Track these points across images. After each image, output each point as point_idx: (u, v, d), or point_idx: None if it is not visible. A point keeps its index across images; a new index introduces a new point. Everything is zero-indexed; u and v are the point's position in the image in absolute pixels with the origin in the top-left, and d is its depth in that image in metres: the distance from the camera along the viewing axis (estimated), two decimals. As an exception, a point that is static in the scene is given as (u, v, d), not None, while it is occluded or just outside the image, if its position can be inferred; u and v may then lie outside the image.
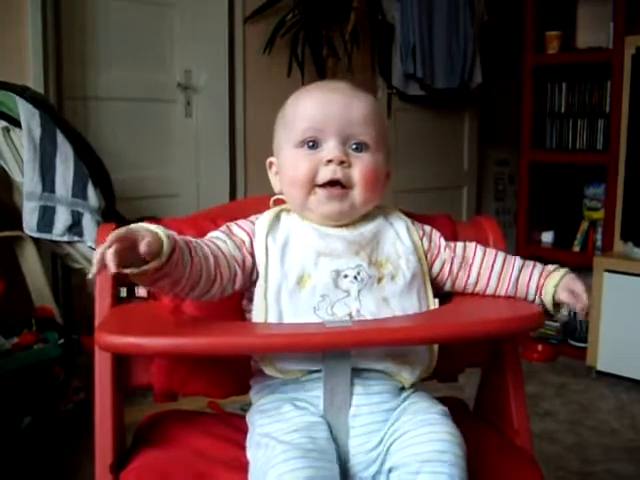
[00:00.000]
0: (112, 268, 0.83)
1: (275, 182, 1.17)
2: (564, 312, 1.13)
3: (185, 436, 1.11)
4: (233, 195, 3.51)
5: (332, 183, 1.06)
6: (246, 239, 1.07)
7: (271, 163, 1.17)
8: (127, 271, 0.86)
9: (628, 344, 2.98)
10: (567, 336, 3.43)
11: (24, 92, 2.34)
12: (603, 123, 3.39)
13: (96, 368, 1.07)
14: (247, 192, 3.53)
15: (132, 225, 0.90)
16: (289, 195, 1.11)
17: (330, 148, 1.06)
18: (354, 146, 1.08)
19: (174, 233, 0.94)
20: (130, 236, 0.87)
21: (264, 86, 3.50)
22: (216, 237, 1.07)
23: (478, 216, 1.38)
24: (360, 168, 1.07)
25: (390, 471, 0.97)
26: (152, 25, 3.20)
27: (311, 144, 1.08)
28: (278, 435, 0.95)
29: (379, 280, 1.06)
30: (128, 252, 0.85)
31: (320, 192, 1.07)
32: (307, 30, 3.53)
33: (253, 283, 1.07)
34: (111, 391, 1.07)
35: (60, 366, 2.21)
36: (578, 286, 1.11)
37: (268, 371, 1.02)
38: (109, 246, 0.84)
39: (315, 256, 1.05)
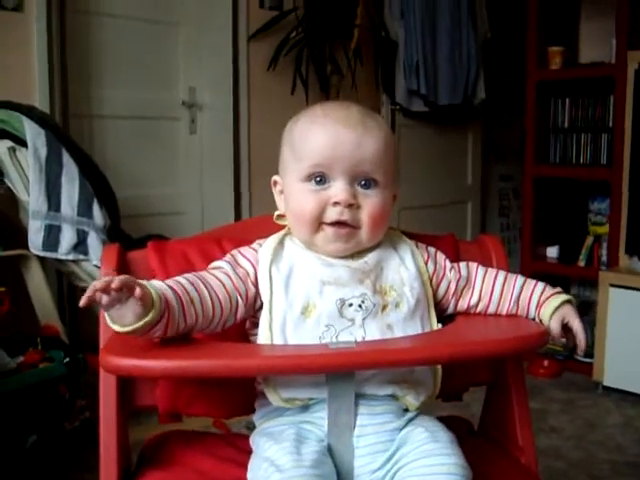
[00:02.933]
0: (104, 300, 0.87)
1: (280, 202, 1.15)
2: (562, 341, 1.11)
3: (189, 457, 1.11)
4: (238, 212, 3.52)
5: (339, 223, 1.05)
6: (250, 270, 1.06)
7: (276, 182, 1.15)
8: (116, 328, 0.90)
9: (634, 359, 2.97)
10: (573, 352, 3.42)
11: (30, 112, 2.36)
12: (607, 138, 3.39)
13: (101, 389, 1.08)
14: (252, 209, 3.54)
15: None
16: (294, 228, 1.10)
17: (338, 188, 1.05)
18: (363, 182, 1.06)
19: (166, 290, 0.95)
20: (130, 283, 0.89)
21: (268, 103, 3.52)
22: (220, 268, 1.06)
23: (482, 235, 1.38)
24: (368, 209, 1.06)
25: None
26: (157, 43, 3.23)
27: (319, 179, 1.06)
28: (279, 460, 0.94)
29: (383, 308, 1.05)
30: (122, 297, 0.88)
31: (328, 230, 1.05)
32: (311, 47, 3.55)
33: (257, 311, 1.07)
34: (116, 412, 1.07)
35: (65, 385, 2.21)
36: (576, 323, 1.09)
37: (272, 399, 1.02)
38: (109, 281, 0.86)
39: (320, 285, 1.04)
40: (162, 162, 3.28)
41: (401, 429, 1.02)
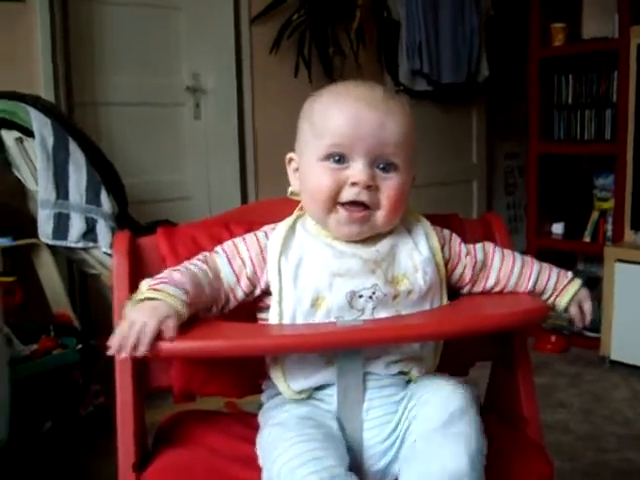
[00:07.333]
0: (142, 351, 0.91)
1: (294, 179, 1.13)
2: (569, 325, 1.21)
3: (203, 436, 1.14)
4: (244, 195, 3.54)
5: (355, 203, 1.03)
6: (248, 263, 1.06)
7: (291, 159, 1.13)
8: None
9: (641, 333, 2.99)
10: (574, 330, 3.44)
11: (36, 102, 2.38)
12: (610, 113, 3.39)
13: (117, 371, 1.10)
14: (258, 192, 3.56)
15: (160, 300, 0.95)
16: (308, 207, 1.09)
17: (357, 168, 1.02)
18: (382, 166, 1.04)
19: (186, 286, 0.98)
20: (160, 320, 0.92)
21: (272, 86, 3.53)
22: (219, 261, 1.07)
23: (486, 214, 1.39)
24: (387, 192, 1.04)
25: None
26: (159, 29, 3.24)
27: (337, 159, 1.03)
28: (288, 424, 0.99)
29: (394, 297, 1.04)
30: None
31: (342, 211, 1.03)
32: (313, 29, 3.56)
33: (259, 296, 1.08)
34: (132, 393, 1.10)
35: (79, 371, 2.25)
36: (587, 305, 1.16)
37: (284, 392, 1.05)
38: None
39: (330, 277, 1.02)
40: (167, 148, 3.30)
41: (404, 398, 1.04)
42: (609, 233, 3.40)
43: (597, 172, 3.51)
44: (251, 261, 1.06)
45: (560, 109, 3.59)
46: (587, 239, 3.48)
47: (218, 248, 1.09)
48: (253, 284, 1.07)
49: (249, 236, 1.10)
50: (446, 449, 0.94)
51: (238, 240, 1.10)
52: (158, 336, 0.91)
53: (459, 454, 0.93)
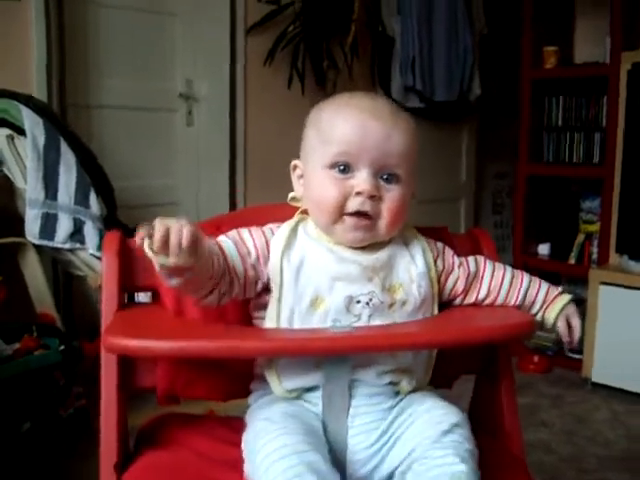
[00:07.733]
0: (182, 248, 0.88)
1: (298, 186, 1.15)
2: (555, 343, 1.21)
3: (186, 438, 1.13)
4: (233, 203, 3.54)
5: (359, 213, 1.05)
6: (252, 251, 1.06)
7: (295, 166, 1.15)
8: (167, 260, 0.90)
9: (623, 356, 3.01)
10: (563, 347, 3.45)
11: (29, 101, 2.37)
12: (599, 137, 3.43)
13: (102, 370, 1.09)
14: (247, 200, 3.56)
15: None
16: (314, 214, 1.10)
17: (362, 178, 1.04)
18: (386, 176, 1.06)
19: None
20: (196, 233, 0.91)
21: (265, 97, 3.54)
22: (225, 243, 1.06)
23: (473, 228, 1.41)
24: (389, 203, 1.06)
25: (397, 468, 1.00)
26: (154, 34, 3.24)
27: (342, 168, 1.05)
28: (273, 418, 0.99)
29: (390, 306, 1.06)
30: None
31: (348, 220, 1.05)
32: (308, 42, 3.57)
33: (258, 294, 1.08)
34: (117, 392, 1.09)
35: (61, 372, 2.23)
36: (576, 321, 1.17)
37: (276, 390, 1.05)
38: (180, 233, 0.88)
39: (330, 280, 1.04)
40: (159, 153, 3.29)
41: (394, 407, 1.05)
42: (594, 256, 3.43)
43: (584, 195, 3.55)
44: (255, 250, 1.07)
45: (550, 131, 3.63)
46: (572, 261, 3.51)
47: (222, 236, 1.08)
48: (256, 274, 1.06)
49: (254, 229, 1.10)
50: (443, 452, 0.96)
51: (243, 230, 1.10)
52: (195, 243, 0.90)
53: (456, 456, 0.95)
